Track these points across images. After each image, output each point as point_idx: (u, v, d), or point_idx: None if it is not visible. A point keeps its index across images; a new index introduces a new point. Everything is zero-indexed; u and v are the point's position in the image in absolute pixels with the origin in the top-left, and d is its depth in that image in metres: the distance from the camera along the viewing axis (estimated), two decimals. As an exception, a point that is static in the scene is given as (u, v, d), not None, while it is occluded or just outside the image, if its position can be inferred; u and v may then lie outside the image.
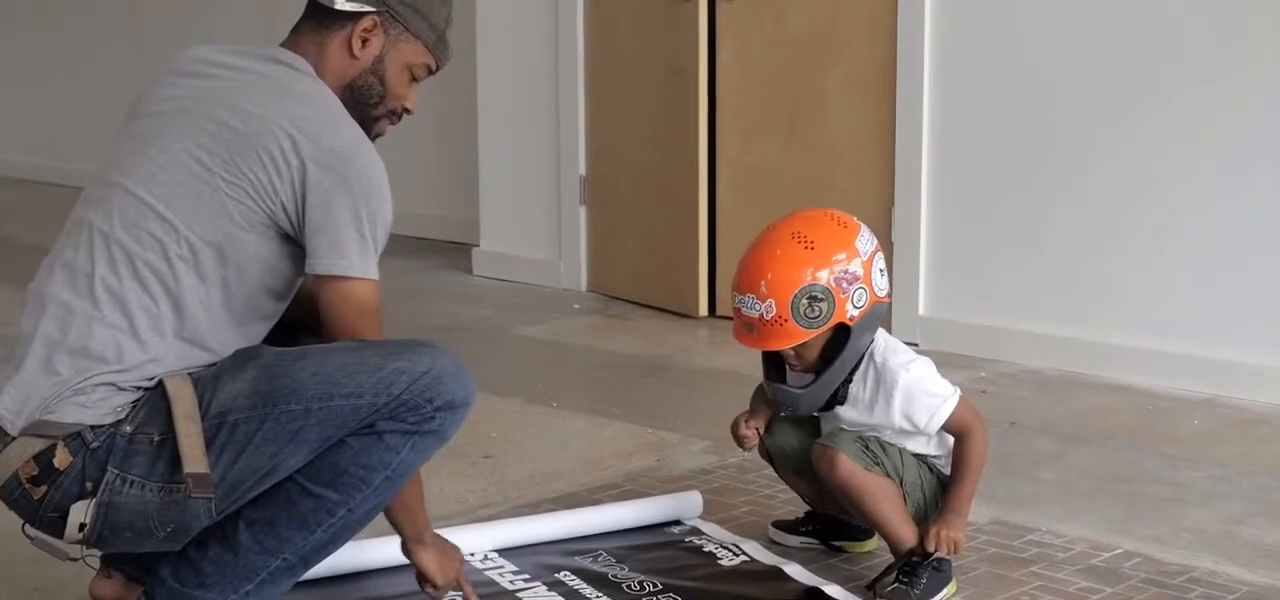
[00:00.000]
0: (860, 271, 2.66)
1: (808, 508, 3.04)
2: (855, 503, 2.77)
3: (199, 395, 2.27)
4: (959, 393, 2.80)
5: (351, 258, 2.33)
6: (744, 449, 2.95)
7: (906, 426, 2.78)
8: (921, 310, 4.73)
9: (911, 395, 2.75)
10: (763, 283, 2.66)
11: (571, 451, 3.68)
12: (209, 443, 2.25)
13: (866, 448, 2.77)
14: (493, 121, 5.95)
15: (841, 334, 2.70)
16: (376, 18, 2.45)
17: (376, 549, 2.80)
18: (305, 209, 2.31)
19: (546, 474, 3.51)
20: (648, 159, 5.37)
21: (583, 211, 5.66)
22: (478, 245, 6.06)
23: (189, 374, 2.30)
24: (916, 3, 4.63)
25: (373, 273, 2.36)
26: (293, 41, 2.48)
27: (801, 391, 2.77)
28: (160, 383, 2.28)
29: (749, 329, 2.70)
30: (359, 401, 2.28)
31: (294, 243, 2.36)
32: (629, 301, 5.45)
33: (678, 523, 3.14)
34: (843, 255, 2.66)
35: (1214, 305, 4.21)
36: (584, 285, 5.67)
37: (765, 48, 5.04)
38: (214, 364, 2.33)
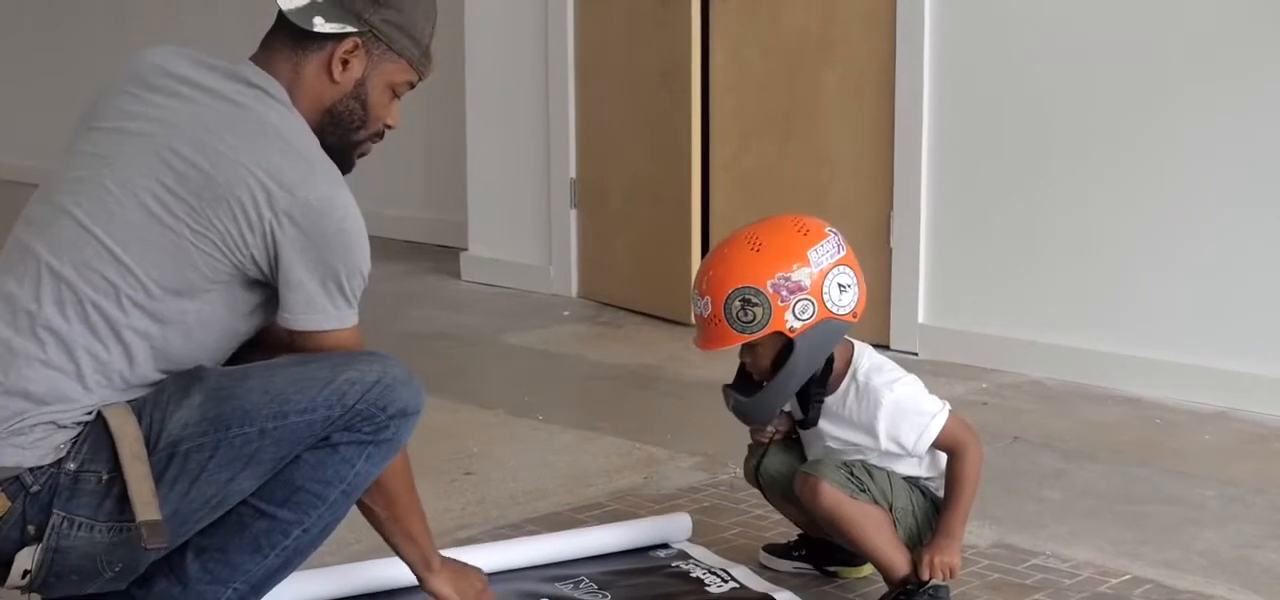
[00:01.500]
0: (806, 283, 2.54)
1: (800, 531, 2.90)
2: (842, 532, 2.65)
3: (144, 426, 2.13)
4: (948, 408, 2.66)
5: (327, 311, 2.22)
6: (764, 439, 2.80)
7: (893, 448, 2.64)
8: (921, 318, 4.60)
9: (897, 415, 2.63)
10: (705, 280, 2.59)
11: (556, 468, 3.54)
12: (159, 476, 2.12)
13: (851, 473, 2.63)
14: (481, 123, 5.85)
15: (789, 347, 2.57)
16: (358, 39, 2.29)
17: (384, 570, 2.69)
18: (278, 265, 2.19)
19: (529, 492, 3.37)
20: (640, 162, 5.26)
21: (573, 215, 5.55)
22: (466, 249, 5.95)
23: (129, 402, 2.15)
24: (915, 1, 4.50)
25: (351, 321, 2.25)
26: (265, 59, 2.31)
27: (747, 400, 2.66)
28: (99, 415, 2.14)
29: (698, 327, 2.64)
30: (313, 416, 2.17)
31: (263, 287, 2.24)
32: (620, 308, 5.34)
33: (665, 546, 3.00)
34: (790, 263, 2.55)
35: (1225, 314, 4.08)
36: (574, 291, 5.56)
37: (760, 48, 4.93)
38: (155, 385, 2.19)
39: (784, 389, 2.62)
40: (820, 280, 2.56)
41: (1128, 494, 3.38)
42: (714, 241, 4.98)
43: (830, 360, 2.65)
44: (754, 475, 2.83)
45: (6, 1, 9.03)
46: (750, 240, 2.59)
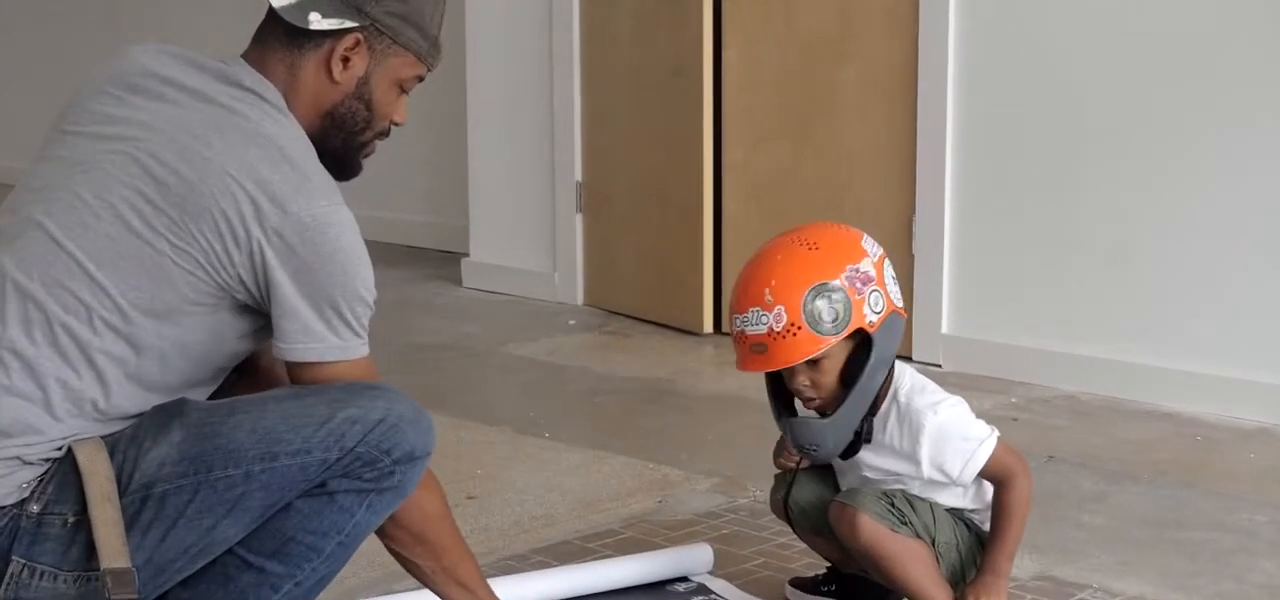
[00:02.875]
0: (872, 273, 2.35)
1: (829, 565, 2.69)
2: (881, 568, 2.44)
3: (117, 464, 1.92)
4: (996, 434, 2.46)
5: (327, 340, 1.99)
6: (793, 465, 2.58)
7: (937, 476, 2.44)
8: (945, 328, 4.40)
9: (941, 440, 2.42)
10: (767, 291, 2.34)
11: (565, 492, 3.34)
12: (132, 520, 1.91)
13: (892, 505, 2.43)
14: (484, 124, 5.68)
15: (861, 350, 2.36)
16: (359, 35, 2.07)
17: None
18: (270, 289, 1.97)
19: (536, 519, 3.17)
20: (648, 164, 5.08)
21: (579, 220, 5.37)
22: (467, 255, 5.79)
23: (103, 438, 1.94)
24: (939, -5, 4.32)
25: (358, 351, 2.02)
26: (258, 59, 2.09)
27: (827, 424, 2.41)
28: (70, 450, 1.92)
29: (758, 350, 2.36)
30: (307, 459, 1.94)
31: (254, 313, 2.02)
32: (628, 317, 5.15)
33: (684, 579, 2.80)
34: (855, 255, 2.36)
35: (1268, 325, 3.89)
36: (580, 299, 5.38)
37: (774, 45, 4.74)
38: (132, 420, 1.98)
39: (865, 399, 2.39)
40: (880, 270, 2.38)
41: (1175, 519, 3.18)
42: (726, 247, 4.86)
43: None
44: (783, 507, 2.62)
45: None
46: (802, 241, 2.38)
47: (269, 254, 1.95)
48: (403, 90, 2.16)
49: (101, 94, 2.06)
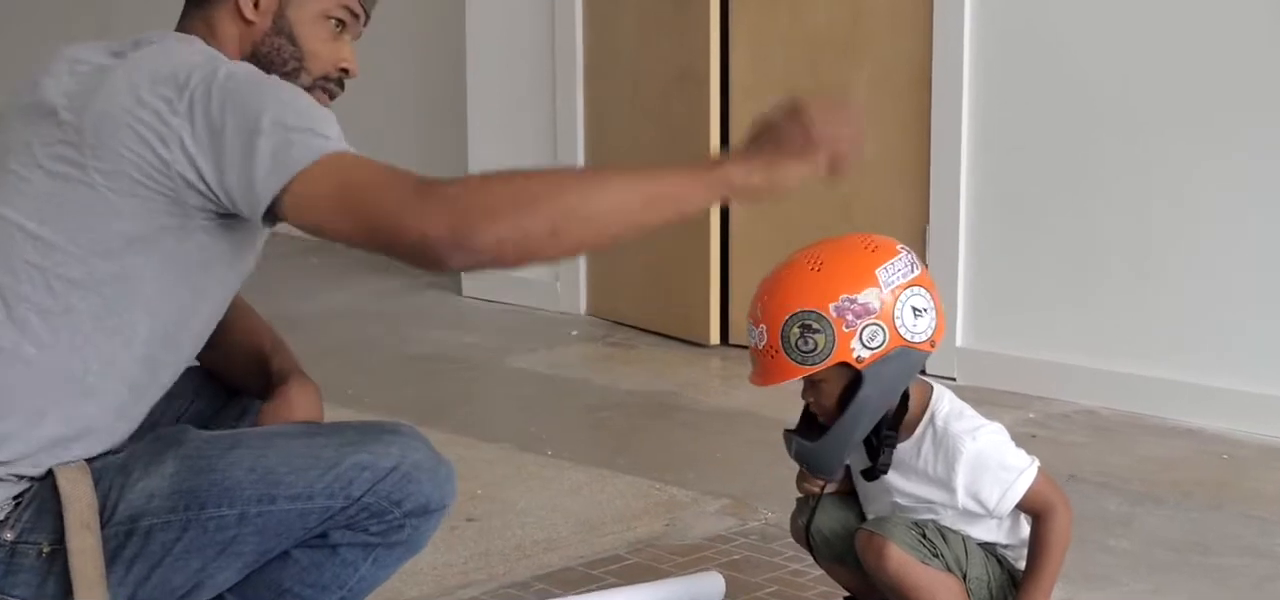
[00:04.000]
0: (875, 305, 2.22)
1: (847, 595, 2.57)
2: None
3: (102, 492, 1.79)
4: (1037, 464, 2.34)
5: (291, 152, 1.78)
6: (815, 490, 2.45)
7: (972, 506, 2.31)
8: (959, 341, 4.29)
9: (979, 468, 2.29)
10: (759, 306, 2.28)
11: (568, 513, 3.22)
12: (115, 554, 1.78)
13: (923, 536, 2.30)
14: (484, 127, 5.56)
15: (858, 380, 2.25)
16: None
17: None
18: (214, 153, 1.79)
19: (538, 543, 3.05)
20: (653, 170, 4.95)
21: (582, 227, 5.24)
22: (467, 263, 5.65)
23: (89, 462, 1.81)
24: (954, -4, 4.21)
25: (330, 147, 1.79)
26: (183, 24, 2.02)
27: (811, 445, 2.32)
28: (51, 474, 1.79)
29: (751, 361, 2.31)
30: (308, 505, 1.81)
31: (214, 223, 1.86)
32: (632, 328, 5.03)
33: (694, 609, 2.68)
34: (856, 284, 2.23)
35: (1294, 338, 3.77)
36: (583, 309, 5.27)
37: (783, 47, 4.63)
38: (120, 450, 1.84)
39: (853, 429, 2.29)
40: (892, 302, 2.24)
41: (1203, 543, 3.06)
42: (733, 256, 4.76)
43: (905, 398, 2.32)
44: (805, 534, 2.49)
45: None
46: (811, 260, 2.27)
47: (196, 125, 1.80)
48: (339, 24, 2.04)
49: (21, 91, 1.97)
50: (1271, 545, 3.06)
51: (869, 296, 2.23)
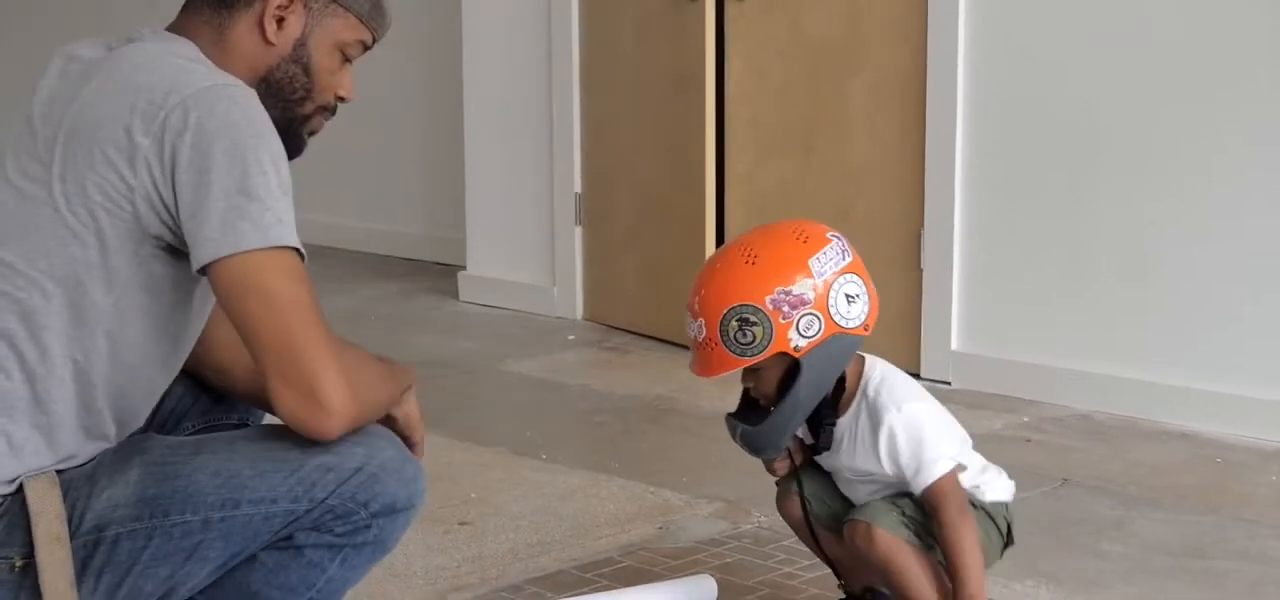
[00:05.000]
0: (809, 296, 2.28)
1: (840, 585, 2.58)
2: (894, 581, 2.37)
3: (70, 503, 1.78)
4: (956, 462, 2.34)
5: (238, 228, 1.76)
6: (779, 472, 2.52)
7: (892, 473, 2.36)
8: (954, 345, 4.28)
9: (896, 439, 2.34)
10: (697, 300, 2.33)
11: (562, 517, 3.22)
12: (84, 565, 1.78)
13: (903, 514, 2.35)
14: (481, 133, 5.55)
15: (796, 368, 2.30)
16: None
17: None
18: (176, 188, 1.77)
19: (531, 546, 3.04)
20: (650, 176, 4.96)
21: (578, 233, 5.26)
22: (464, 268, 5.66)
23: (59, 472, 1.80)
24: (949, 3, 4.19)
25: (278, 238, 1.77)
26: (181, 26, 1.96)
27: (753, 430, 2.38)
28: (21, 488, 1.79)
29: (691, 352, 2.37)
30: (272, 508, 1.80)
31: (172, 252, 1.84)
32: (629, 333, 5.03)
33: (686, 611, 2.68)
34: (791, 275, 2.29)
35: (1288, 343, 3.76)
36: (580, 314, 5.26)
37: (780, 54, 4.62)
38: (91, 460, 1.84)
39: (791, 415, 2.34)
40: (825, 292, 2.29)
41: (1197, 548, 3.06)
42: (729, 261, 4.73)
43: (842, 379, 2.38)
44: (802, 508, 2.50)
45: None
46: (744, 253, 2.32)
47: (164, 146, 1.78)
48: (345, 57, 2.03)
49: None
50: (1264, 549, 3.05)
51: (803, 287, 2.27)
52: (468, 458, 3.62)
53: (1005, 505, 2.43)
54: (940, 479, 2.32)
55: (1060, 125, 4.09)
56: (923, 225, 4.32)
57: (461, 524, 3.15)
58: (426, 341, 4.97)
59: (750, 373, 2.35)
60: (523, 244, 5.43)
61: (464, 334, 5.11)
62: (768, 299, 2.27)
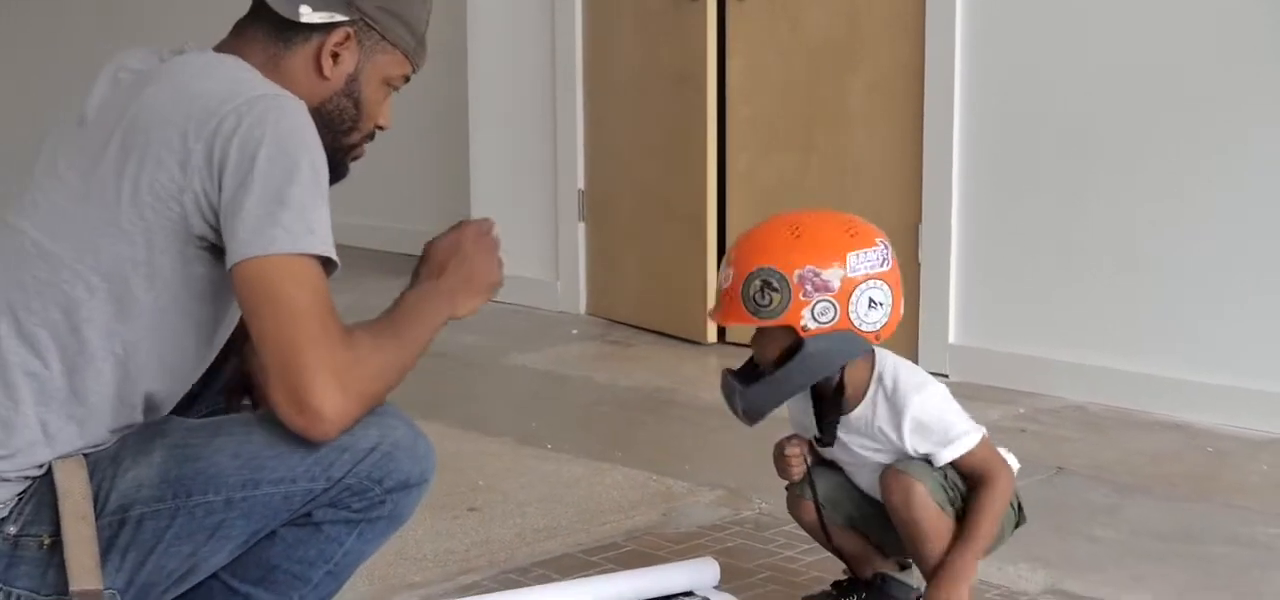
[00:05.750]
0: (835, 285, 2.33)
1: (841, 578, 2.64)
2: (916, 542, 2.42)
3: (95, 484, 1.85)
4: (982, 432, 2.42)
5: (270, 232, 1.83)
6: (789, 476, 2.57)
7: (919, 454, 2.42)
8: (951, 338, 4.35)
9: (922, 421, 2.40)
10: (735, 250, 2.41)
11: (567, 503, 3.28)
12: (109, 544, 1.84)
13: (944, 478, 2.41)
14: (484, 131, 5.62)
15: (799, 346, 2.36)
16: (350, 29, 2.01)
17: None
18: (221, 189, 1.84)
19: (538, 531, 3.11)
20: (651, 172, 5.02)
21: (581, 229, 5.32)
22: (468, 264, 5.68)
23: (84, 455, 1.87)
24: (946, 2, 4.26)
25: (304, 245, 1.83)
26: (235, 47, 2.02)
27: (742, 389, 2.44)
28: (49, 469, 1.86)
29: (717, 298, 2.43)
30: (291, 488, 1.87)
31: (214, 254, 1.91)
32: (631, 327, 5.09)
33: (689, 594, 2.74)
34: (825, 259, 2.34)
35: (1278, 334, 3.82)
36: (582, 309, 5.32)
37: (780, 52, 4.69)
38: (112, 441, 1.91)
39: (781, 389, 2.41)
40: (851, 288, 2.34)
41: (1188, 532, 3.13)
42: (730, 256, 4.78)
43: (843, 378, 2.43)
44: (815, 509, 2.55)
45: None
46: (792, 224, 2.38)
47: (214, 155, 1.84)
48: (390, 89, 2.10)
49: (76, 103, 2.02)
50: (1254, 534, 3.11)
51: (832, 275, 2.33)
52: (474, 447, 3.68)
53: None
54: (978, 446, 2.38)
55: (1055, 123, 4.15)
56: (920, 220, 4.38)
57: (470, 510, 3.22)
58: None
59: (759, 336, 2.40)
60: (526, 240, 5.47)
61: (469, 328, 5.11)
62: (796, 272, 2.32)
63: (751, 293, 2.34)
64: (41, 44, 8.64)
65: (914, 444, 2.40)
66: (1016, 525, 2.52)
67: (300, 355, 1.80)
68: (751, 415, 2.47)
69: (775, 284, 2.32)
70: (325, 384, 1.81)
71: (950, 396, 2.46)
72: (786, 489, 2.60)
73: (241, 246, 1.82)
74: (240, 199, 1.82)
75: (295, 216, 1.82)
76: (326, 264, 1.86)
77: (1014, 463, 2.51)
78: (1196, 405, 3.91)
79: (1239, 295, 3.88)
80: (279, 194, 1.82)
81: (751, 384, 2.43)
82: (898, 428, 2.40)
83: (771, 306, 2.33)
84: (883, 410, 2.42)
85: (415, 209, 6.44)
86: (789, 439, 2.56)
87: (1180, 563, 2.96)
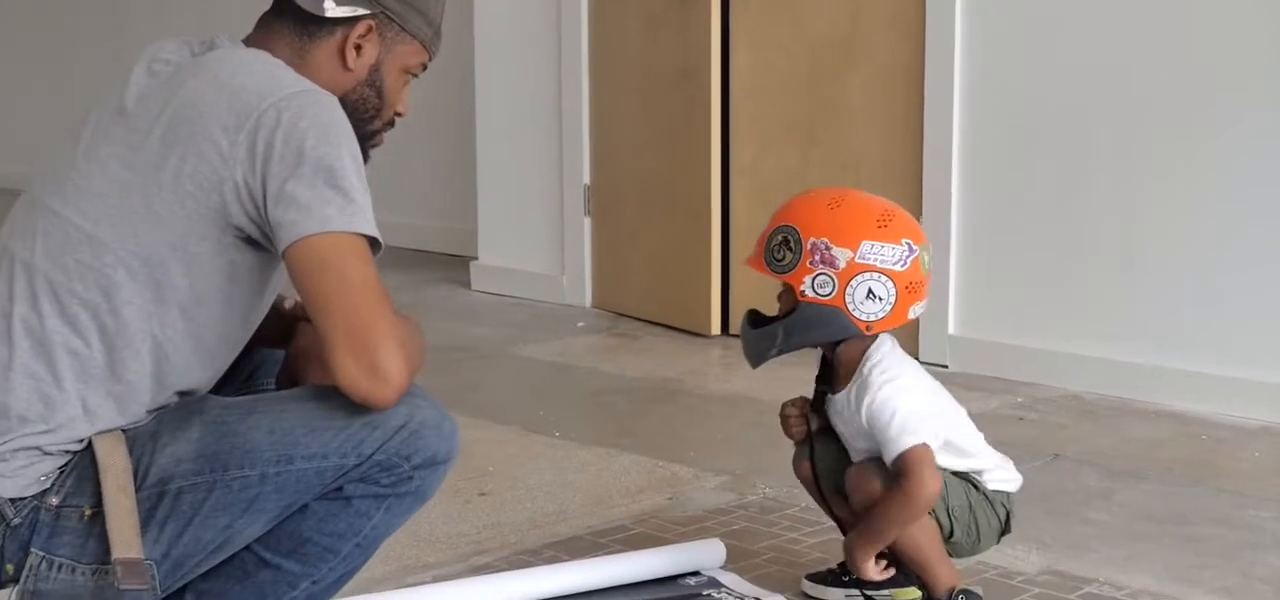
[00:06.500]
0: (841, 264, 2.44)
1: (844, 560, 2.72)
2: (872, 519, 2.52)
3: (135, 458, 1.93)
4: (924, 442, 2.47)
5: (321, 211, 1.91)
6: (788, 434, 2.67)
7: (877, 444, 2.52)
8: (951, 329, 4.43)
9: (876, 411, 2.48)
10: (784, 205, 2.55)
11: (575, 488, 3.37)
12: (149, 515, 1.92)
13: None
14: (492, 127, 5.69)
15: (794, 309, 2.49)
16: (371, 22, 2.10)
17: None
18: (265, 179, 1.93)
19: (548, 515, 3.19)
20: (656, 167, 5.10)
21: (587, 223, 5.39)
22: (476, 259, 5.79)
23: (124, 431, 1.96)
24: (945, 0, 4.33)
25: (356, 225, 1.92)
26: (261, 40, 2.11)
27: (746, 329, 2.59)
28: (90, 444, 1.94)
29: None
30: (324, 463, 1.95)
31: (248, 241, 1.99)
32: (636, 319, 5.17)
33: (696, 573, 2.82)
34: (842, 237, 2.45)
35: (1271, 326, 3.91)
36: (588, 302, 5.40)
37: (782, 49, 4.77)
38: (148, 419, 1.99)
39: (772, 341, 2.53)
40: (854, 272, 2.44)
41: (1180, 515, 3.20)
42: (734, 250, 4.89)
43: (834, 356, 2.55)
44: (811, 470, 2.65)
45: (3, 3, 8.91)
46: (834, 197, 2.53)
47: (257, 146, 1.93)
48: (410, 77, 2.19)
49: (111, 89, 2.09)
50: (1244, 516, 3.19)
51: (841, 254, 2.44)
52: (484, 435, 3.76)
53: (1007, 495, 2.58)
54: (908, 450, 2.44)
55: (1053, 119, 4.22)
56: (920, 214, 4.45)
57: (481, 495, 3.30)
58: (441, 327, 5.09)
59: (783, 289, 2.53)
60: (533, 234, 5.55)
61: (477, 321, 5.25)
62: (811, 240, 2.44)
63: (773, 246, 2.48)
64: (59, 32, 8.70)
65: (871, 429, 2.49)
66: (1001, 535, 2.59)
67: (370, 324, 1.89)
68: (746, 353, 2.60)
69: (792, 243, 2.46)
70: (393, 351, 1.90)
71: (927, 399, 2.52)
72: (796, 446, 2.69)
73: (296, 228, 1.91)
74: (290, 187, 1.91)
75: (345, 199, 1.92)
76: (373, 245, 1.95)
77: (1015, 480, 2.58)
78: (1190, 394, 3.98)
79: (1231, 287, 3.95)
80: (328, 179, 1.91)
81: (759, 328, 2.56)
82: (860, 413, 2.49)
83: (784, 263, 2.47)
84: (856, 395, 2.52)
85: (423, 205, 6.51)
86: (793, 400, 2.66)
87: (1173, 544, 3.03)
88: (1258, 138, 3.89)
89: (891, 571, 2.58)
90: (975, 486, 2.55)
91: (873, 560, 2.53)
